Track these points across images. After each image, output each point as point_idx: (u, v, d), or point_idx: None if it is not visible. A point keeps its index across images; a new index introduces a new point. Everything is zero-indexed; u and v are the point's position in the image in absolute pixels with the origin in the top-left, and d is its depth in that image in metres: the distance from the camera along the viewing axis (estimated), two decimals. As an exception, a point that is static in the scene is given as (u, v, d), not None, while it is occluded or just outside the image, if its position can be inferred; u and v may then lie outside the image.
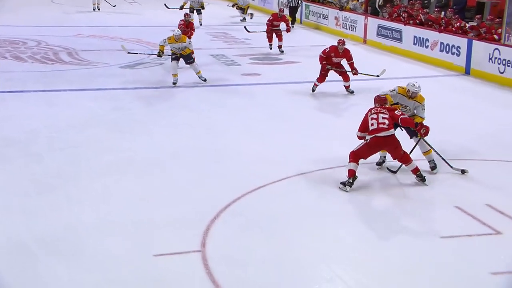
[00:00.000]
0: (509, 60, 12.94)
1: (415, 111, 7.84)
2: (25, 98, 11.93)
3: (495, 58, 13.33)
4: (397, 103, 7.85)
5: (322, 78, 11.95)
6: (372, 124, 7.13)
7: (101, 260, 5.73)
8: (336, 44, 11.85)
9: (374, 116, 7.19)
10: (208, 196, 7.19)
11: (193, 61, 12.42)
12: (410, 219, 6.71)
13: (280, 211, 6.80)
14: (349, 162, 7.18)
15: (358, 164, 7.16)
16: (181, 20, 15.06)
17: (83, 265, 5.65)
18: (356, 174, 7.12)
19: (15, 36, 18.49)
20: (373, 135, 7.10)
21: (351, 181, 7.07)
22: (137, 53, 13.32)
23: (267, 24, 16.43)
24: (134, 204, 7.00)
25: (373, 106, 7.46)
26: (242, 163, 8.34)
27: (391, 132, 7.12)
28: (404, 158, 7.26)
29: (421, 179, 7.31)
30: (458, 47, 14.49)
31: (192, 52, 12.67)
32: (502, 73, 13.13)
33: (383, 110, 7.26)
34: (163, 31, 18.82)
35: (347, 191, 7.04)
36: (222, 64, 15.22)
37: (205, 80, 12.57)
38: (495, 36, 13.78)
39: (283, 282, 5.39)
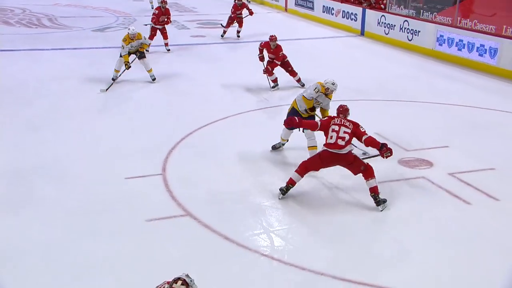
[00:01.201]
0: (392, 24, 13.03)
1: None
2: (14, 55, 11.19)
3: (382, 22, 13.38)
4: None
5: (267, 71, 8.78)
6: (331, 137, 5.05)
7: (82, 183, 5.57)
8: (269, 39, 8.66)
9: (336, 128, 5.07)
10: (165, 132, 7.03)
11: (144, 56, 9.02)
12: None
13: (222, 142, 6.72)
14: (295, 170, 5.22)
15: (302, 177, 5.20)
16: (156, 8, 11.44)
17: (67, 187, 5.48)
18: (295, 185, 5.24)
19: (3, 5, 17.16)
20: (326, 149, 5.06)
21: (285, 189, 5.22)
22: (114, 80, 8.90)
23: (231, 12, 12.94)
24: (106, 138, 6.78)
25: (337, 115, 5.28)
26: (192, 105, 8.16)
27: (345, 150, 5.01)
28: (366, 172, 5.08)
29: (376, 201, 5.08)
30: (355, 14, 14.44)
31: (148, 46, 9.79)
32: (387, 34, 13.23)
33: (347, 123, 5.12)
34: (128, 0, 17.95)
35: (279, 198, 5.26)
36: (174, 28, 14.63)
37: (154, 79, 9.16)
38: (382, 6, 13.81)
39: (227, 194, 5.39)
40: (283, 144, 6.41)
